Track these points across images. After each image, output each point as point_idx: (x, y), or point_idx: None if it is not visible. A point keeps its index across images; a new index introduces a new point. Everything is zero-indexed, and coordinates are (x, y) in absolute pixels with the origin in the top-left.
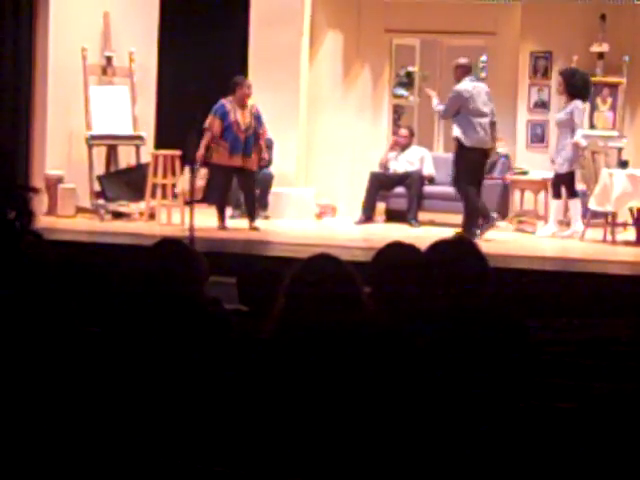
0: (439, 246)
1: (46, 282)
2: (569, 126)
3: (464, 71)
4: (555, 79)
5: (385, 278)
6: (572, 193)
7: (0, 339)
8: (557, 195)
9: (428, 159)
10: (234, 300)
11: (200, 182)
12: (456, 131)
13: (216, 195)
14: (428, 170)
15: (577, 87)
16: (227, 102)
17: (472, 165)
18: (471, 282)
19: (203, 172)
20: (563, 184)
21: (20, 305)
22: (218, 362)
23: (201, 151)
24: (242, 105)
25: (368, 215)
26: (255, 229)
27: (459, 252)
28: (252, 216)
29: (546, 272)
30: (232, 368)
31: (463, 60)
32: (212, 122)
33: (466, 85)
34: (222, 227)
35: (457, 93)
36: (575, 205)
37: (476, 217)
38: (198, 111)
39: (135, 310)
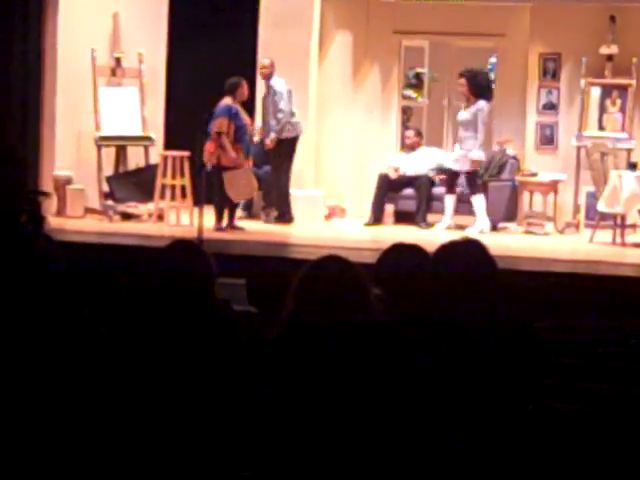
0: (448, 248)
1: (56, 284)
2: (473, 126)
3: (273, 69)
4: (565, 81)
5: (389, 279)
6: (475, 190)
7: (11, 341)
8: (451, 191)
9: (441, 156)
10: (243, 301)
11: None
12: (275, 127)
13: (221, 196)
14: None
15: (481, 87)
16: (232, 103)
17: (292, 153)
18: (479, 283)
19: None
20: (467, 181)
21: (31, 307)
22: (228, 363)
23: (232, 154)
24: (241, 106)
25: (377, 217)
26: (239, 229)
27: (467, 254)
28: (234, 215)
29: (555, 274)
30: (241, 369)
31: (268, 60)
32: (228, 125)
33: (281, 83)
34: (219, 228)
35: (280, 93)
36: (478, 201)
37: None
38: (206, 112)
39: (145, 311)
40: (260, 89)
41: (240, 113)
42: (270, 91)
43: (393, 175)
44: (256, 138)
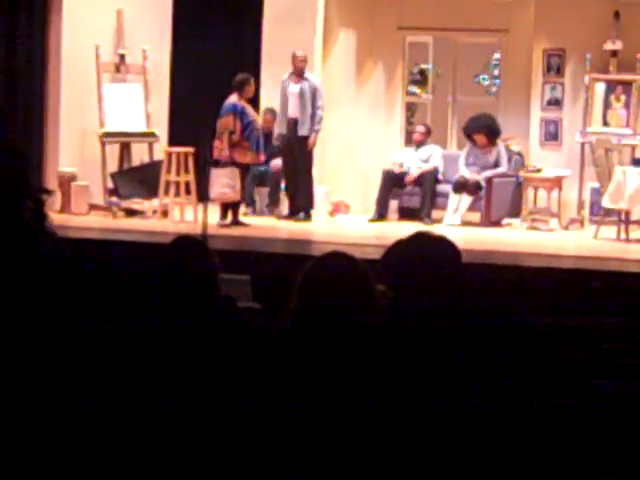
0: (398, 244)
1: (60, 280)
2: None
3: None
4: (569, 77)
5: (394, 273)
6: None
7: (14, 336)
8: (460, 191)
9: (437, 155)
10: (248, 298)
11: (238, 183)
12: (316, 125)
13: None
14: (434, 163)
15: (497, 133)
16: (238, 101)
17: None
18: (441, 278)
19: (236, 172)
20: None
21: (35, 304)
22: (231, 360)
23: (227, 152)
24: (249, 103)
25: (381, 213)
26: (244, 224)
27: (418, 249)
28: (238, 211)
29: (559, 270)
30: (245, 366)
31: (304, 53)
32: (233, 122)
33: (317, 78)
34: (223, 224)
35: (319, 90)
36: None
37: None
38: (211, 108)
39: (148, 308)
40: (267, 85)
41: (247, 110)
42: (307, 86)
43: (397, 170)
44: (279, 131)
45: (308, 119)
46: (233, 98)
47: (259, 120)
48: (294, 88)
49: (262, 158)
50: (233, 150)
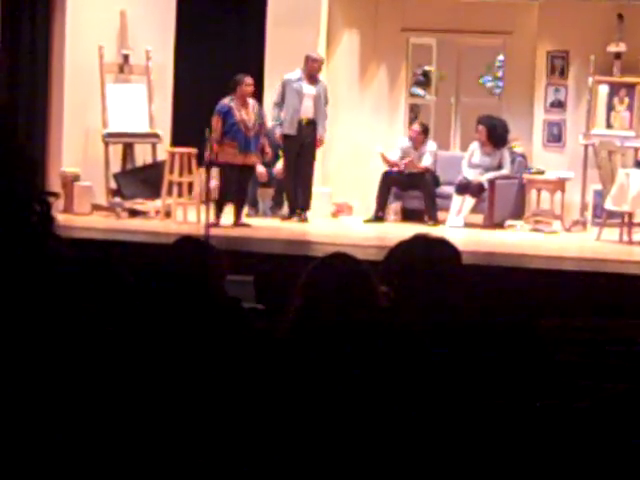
0: (399, 248)
1: (67, 284)
2: (496, 169)
3: None
4: (573, 79)
5: (394, 276)
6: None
7: (20, 339)
8: (463, 193)
9: (429, 153)
10: (251, 299)
11: (214, 182)
12: (322, 129)
13: (229, 193)
14: (425, 162)
15: (501, 138)
16: (228, 101)
17: None
18: (442, 279)
19: (215, 172)
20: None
21: (42, 307)
22: (235, 360)
23: (210, 152)
24: (244, 103)
25: (378, 214)
26: (246, 226)
27: (419, 252)
28: (240, 212)
29: (562, 272)
30: (249, 366)
31: (317, 54)
32: (216, 122)
33: None
34: (215, 224)
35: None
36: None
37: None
38: (214, 109)
39: (153, 308)
40: (271, 86)
41: (234, 110)
42: (322, 89)
43: (390, 159)
44: (287, 132)
45: (322, 120)
46: (225, 99)
47: (252, 120)
48: (309, 89)
49: (254, 159)
50: (218, 150)
